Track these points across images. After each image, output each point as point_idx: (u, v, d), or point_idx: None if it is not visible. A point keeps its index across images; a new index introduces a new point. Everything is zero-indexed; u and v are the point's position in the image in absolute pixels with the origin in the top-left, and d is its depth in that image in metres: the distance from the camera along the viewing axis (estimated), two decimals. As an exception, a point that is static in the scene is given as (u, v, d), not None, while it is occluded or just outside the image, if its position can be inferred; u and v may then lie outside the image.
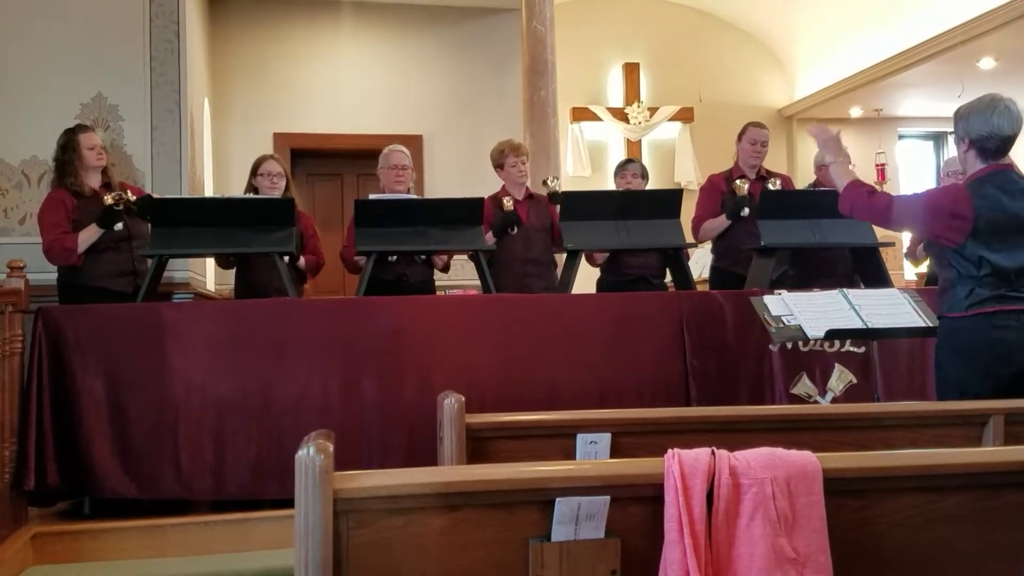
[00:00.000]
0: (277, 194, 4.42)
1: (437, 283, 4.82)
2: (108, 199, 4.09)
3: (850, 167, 3.24)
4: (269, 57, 7.07)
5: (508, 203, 4.58)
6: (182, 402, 3.52)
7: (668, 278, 4.96)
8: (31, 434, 3.36)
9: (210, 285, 5.81)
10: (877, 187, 3.47)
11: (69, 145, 4.24)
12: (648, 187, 5.22)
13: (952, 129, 3.12)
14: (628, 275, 4.85)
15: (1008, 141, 2.94)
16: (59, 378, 3.47)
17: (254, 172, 4.55)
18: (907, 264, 6.92)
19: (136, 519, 3.38)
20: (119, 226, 4.13)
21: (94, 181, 4.31)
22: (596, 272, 5.08)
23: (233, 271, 4.58)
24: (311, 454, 1.30)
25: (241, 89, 7.00)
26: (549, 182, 4.70)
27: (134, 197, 4.14)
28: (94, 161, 4.27)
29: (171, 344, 3.55)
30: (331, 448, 1.32)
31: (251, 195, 4.46)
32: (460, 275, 5.58)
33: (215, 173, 6.67)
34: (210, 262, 5.61)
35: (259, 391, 3.58)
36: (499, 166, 4.84)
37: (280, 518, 3.31)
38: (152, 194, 4.30)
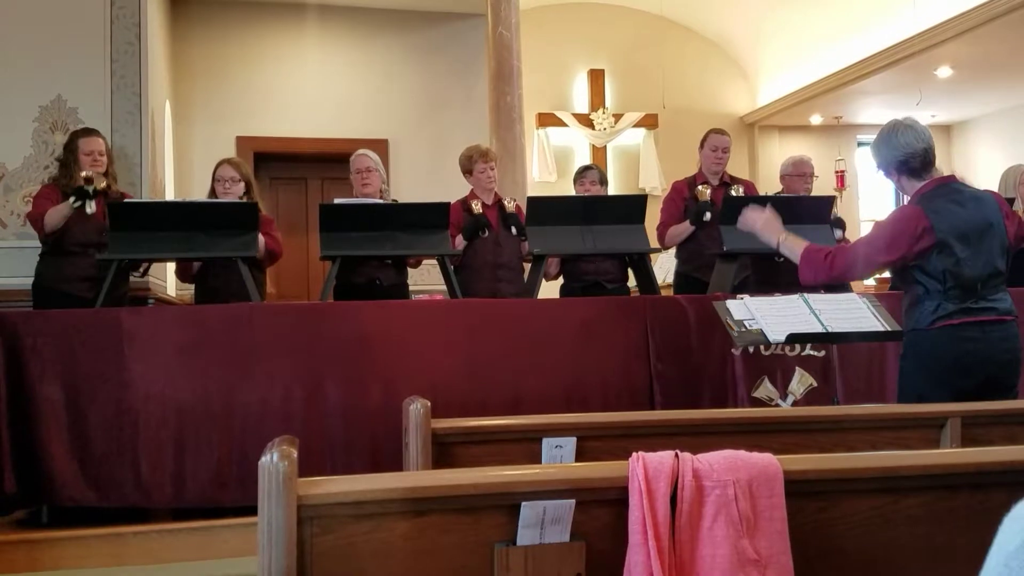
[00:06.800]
0: (234, 199, 4.40)
1: (402, 287, 4.79)
2: (83, 175, 4.19)
3: (794, 239, 3.18)
4: (232, 59, 7.00)
5: (477, 206, 4.58)
6: (142, 408, 3.48)
7: (627, 283, 4.99)
8: (-13, 442, 3.30)
9: (171, 290, 5.74)
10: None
11: (69, 147, 4.41)
12: (612, 193, 5.25)
13: None
14: (585, 280, 4.87)
15: (926, 153, 2.93)
16: (16, 384, 3.41)
17: (213, 176, 4.52)
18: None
19: (96, 527, 3.32)
20: (90, 208, 4.19)
21: None
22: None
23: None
24: (275, 460, 1.29)
25: (204, 91, 6.92)
26: (507, 203, 4.72)
27: (103, 183, 4.25)
28: (86, 165, 4.35)
29: (131, 350, 3.50)
30: (295, 454, 1.32)
31: (212, 199, 4.42)
32: (427, 279, 5.56)
33: (176, 176, 6.58)
34: (170, 267, 5.54)
35: (221, 397, 3.54)
36: (468, 172, 4.83)
37: (243, 525, 3.27)
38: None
